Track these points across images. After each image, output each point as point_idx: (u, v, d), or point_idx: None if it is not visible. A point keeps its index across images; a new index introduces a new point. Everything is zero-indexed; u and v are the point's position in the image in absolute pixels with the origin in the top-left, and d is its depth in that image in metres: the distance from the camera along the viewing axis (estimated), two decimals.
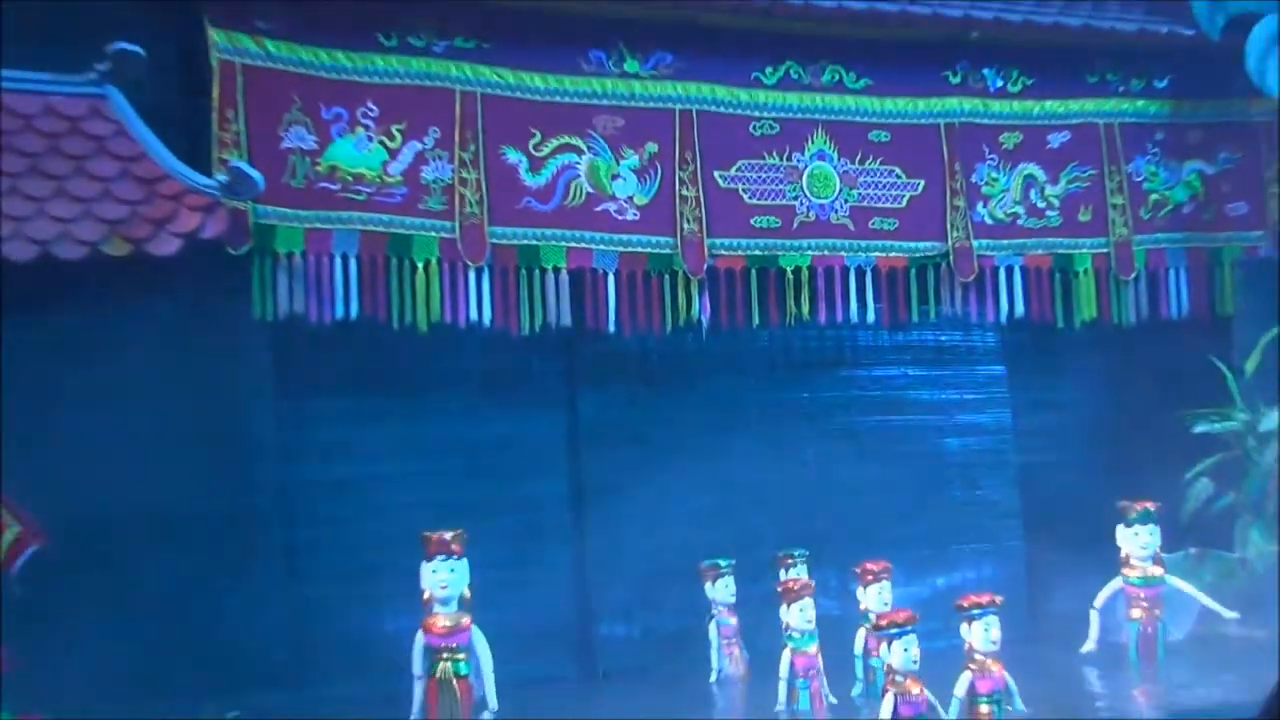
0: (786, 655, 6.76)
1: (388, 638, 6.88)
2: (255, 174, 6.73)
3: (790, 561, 7.29)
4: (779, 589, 6.93)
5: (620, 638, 7.88)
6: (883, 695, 5.96)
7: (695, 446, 7.84)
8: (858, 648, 6.89)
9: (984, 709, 5.88)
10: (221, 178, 6.67)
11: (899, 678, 5.80)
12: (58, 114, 6.97)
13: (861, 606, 6.84)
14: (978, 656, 5.97)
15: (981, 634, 5.96)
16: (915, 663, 5.82)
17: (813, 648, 6.75)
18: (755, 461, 8.02)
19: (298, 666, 6.98)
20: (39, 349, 6.57)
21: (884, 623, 6.01)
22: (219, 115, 6.96)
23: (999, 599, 6.15)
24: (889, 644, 5.94)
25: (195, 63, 7.15)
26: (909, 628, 5.86)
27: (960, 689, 5.98)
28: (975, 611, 6.04)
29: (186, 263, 6.57)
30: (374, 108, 7.26)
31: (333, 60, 7.19)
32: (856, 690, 6.83)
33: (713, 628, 7.43)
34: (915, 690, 5.81)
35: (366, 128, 7.25)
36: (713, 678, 7.36)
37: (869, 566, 6.86)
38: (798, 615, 6.74)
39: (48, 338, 6.63)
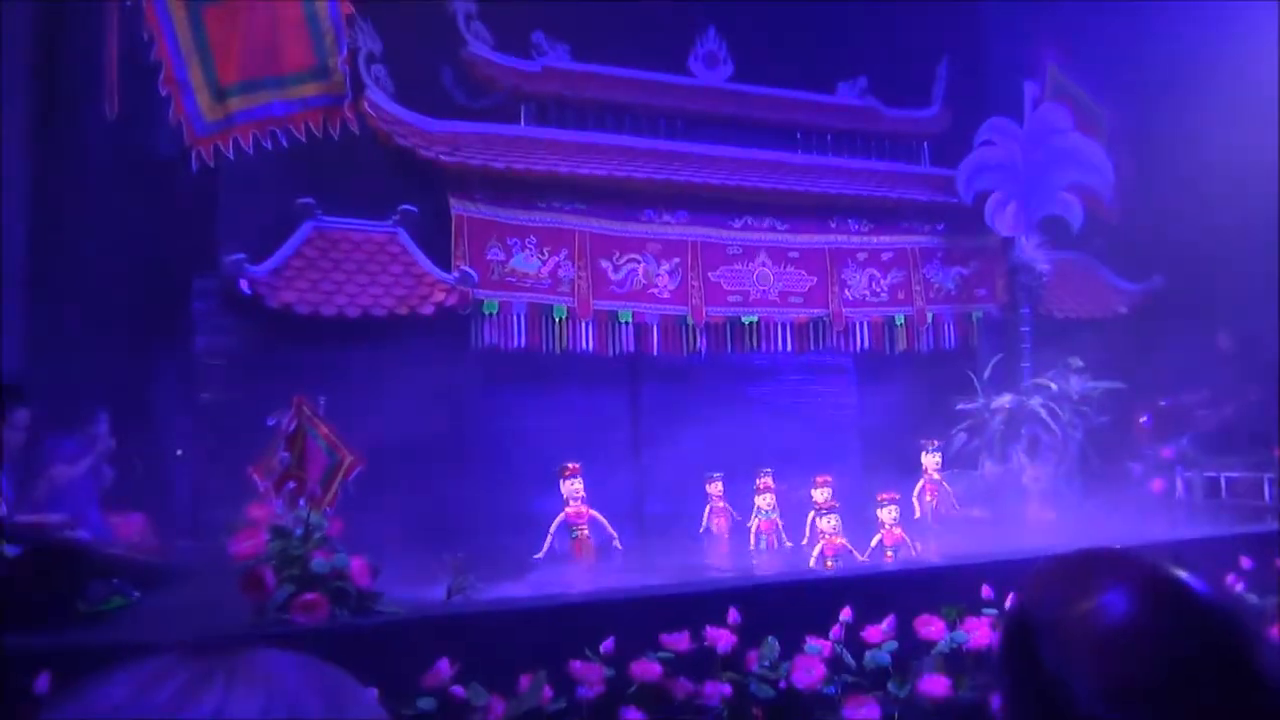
0: (754, 523, 7.06)
1: (541, 516, 6.99)
2: (473, 273, 7.25)
3: (764, 474, 7.34)
4: (755, 487, 7.13)
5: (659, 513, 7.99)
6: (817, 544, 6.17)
7: (697, 414, 7.90)
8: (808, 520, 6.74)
9: (829, 564, 5.95)
10: (457, 275, 7.22)
11: (827, 534, 6.10)
12: (372, 240, 7.41)
13: (813, 501, 6.73)
14: (886, 525, 6.16)
15: (888, 514, 6.19)
16: (835, 527, 6.08)
17: (774, 518, 6.98)
18: (729, 421, 7.98)
19: (491, 529, 6.87)
20: (362, 358, 6.78)
21: (821, 505, 6.30)
22: (454, 241, 7.35)
23: (897, 495, 6.34)
24: (822, 517, 6.19)
25: (442, 214, 7.47)
26: (833, 509, 6.17)
27: (874, 541, 6.18)
28: (883, 501, 6.27)
29: (438, 319, 7.22)
30: (534, 239, 7.66)
31: (512, 214, 7.62)
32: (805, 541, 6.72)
33: (707, 509, 7.55)
34: (838, 541, 6.07)
35: (529, 249, 7.65)
36: (701, 529, 7.47)
37: (818, 479, 6.82)
38: (764, 501, 7.06)
39: (365, 353, 6.83)
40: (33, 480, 5.68)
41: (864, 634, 4.18)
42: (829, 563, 5.94)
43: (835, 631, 4.14)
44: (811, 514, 6.64)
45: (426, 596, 4.25)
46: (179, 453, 6.64)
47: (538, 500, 7.20)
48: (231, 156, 5.86)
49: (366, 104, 7.05)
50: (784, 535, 6.81)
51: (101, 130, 6.50)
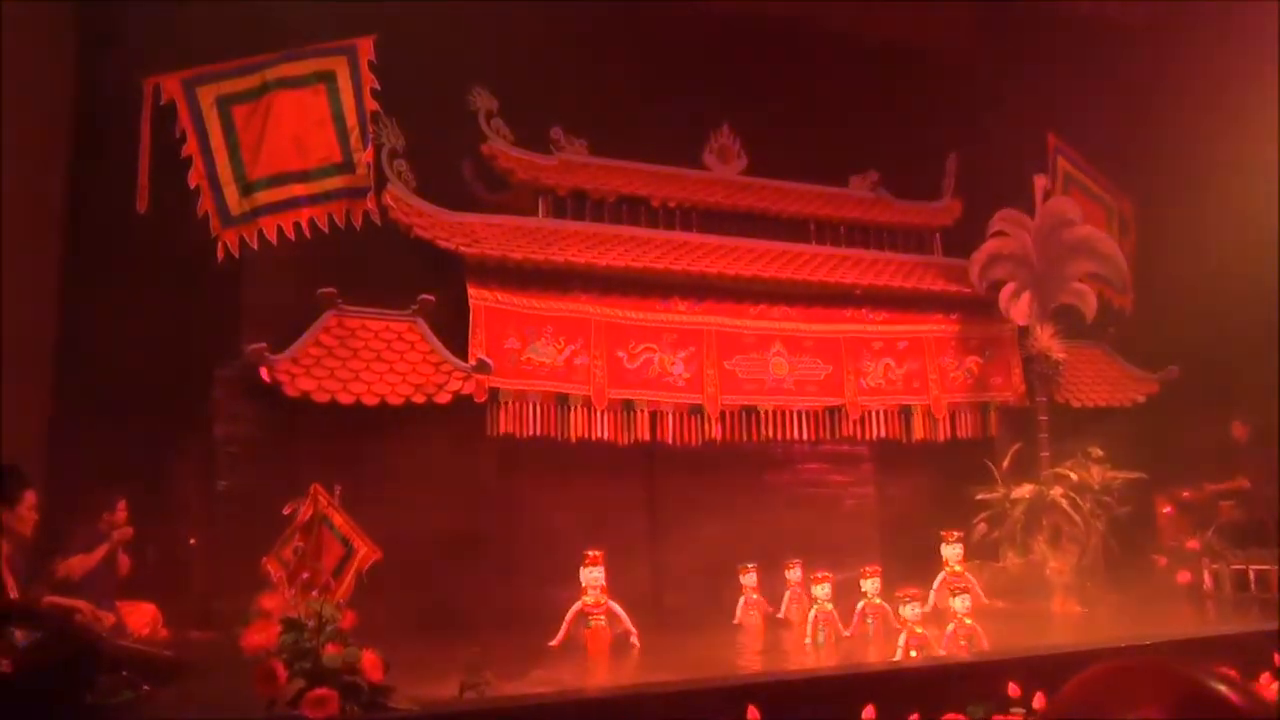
0: (813, 610, 6.54)
1: (557, 606, 6.77)
2: (489, 362, 7.22)
3: (793, 564, 7.20)
4: (815, 577, 6.62)
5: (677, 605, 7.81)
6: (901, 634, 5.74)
7: (714, 503, 8.03)
8: (857, 610, 6.54)
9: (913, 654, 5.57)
10: (474, 363, 7.21)
11: (909, 624, 5.68)
12: (391, 328, 7.47)
13: (862, 590, 6.60)
14: (909, 624, 5.73)
15: (910, 611, 5.77)
16: (918, 614, 5.65)
17: (829, 608, 6.50)
18: (746, 511, 8.13)
19: (505, 620, 6.89)
20: (379, 446, 6.90)
21: (902, 595, 5.79)
22: (472, 331, 7.34)
23: (918, 592, 5.93)
24: (906, 606, 5.71)
25: (460, 303, 7.47)
26: (916, 599, 5.76)
27: (901, 640, 5.71)
28: (906, 599, 5.78)
29: (453, 407, 7.15)
30: (550, 328, 7.65)
31: (529, 304, 7.62)
32: (849, 632, 6.48)
33: (740, 601, 7.24)
34: (920, 631, 5.69)
35: (546, 338, 7.63)
36: (735, 621, 7.15)
37: (866, 569, 6.64)
38: (821, 590, 6.56)
39: (382, 441, 6.95)
40: (46, 564, 5.68)
41: None
42: (913, 654, 5.61)
43: None
44: (862, 603, 6.50)
45: (439, 692, 4.13)
46: (192, 541, 6.57)
47: (553, 590, 7.07)
48: (255, 247, 5.98)
49: (389, 197, 7.24)
50: (840, 625, 6.51)
51: (130, 222, 6.65)
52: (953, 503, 8.24)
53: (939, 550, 7.42)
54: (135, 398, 6.80)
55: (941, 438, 8.79)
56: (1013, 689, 4.29)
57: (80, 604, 4.08)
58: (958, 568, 7.32)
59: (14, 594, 4.12)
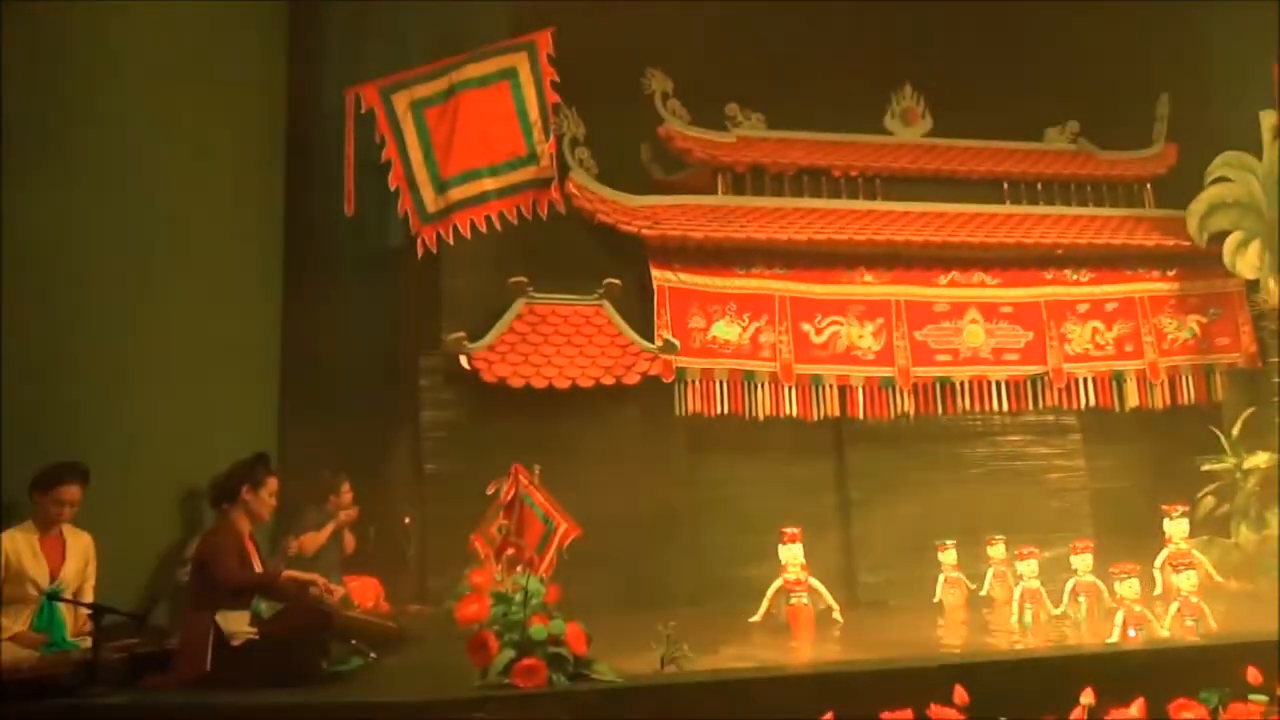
0: (1019, 588, 6.26)
1: (747, 583, 6.83)
2: (675, 342, 7.41)
3: (996, 539, 6.88)
4: (1019, 553, 6.32)
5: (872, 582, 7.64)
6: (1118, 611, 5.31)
7: (908, 479, 7.80)
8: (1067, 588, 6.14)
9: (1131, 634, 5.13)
10: (660, 344, 7.40)
11: (1127, 601, 5.28)
12: (579, 313, 7.65)
13: (1072, 567, 6.18)
14: (1126, 601, 5.30)
15: (1128, 589, 5.31)
16: (1137, 595, 5.27)
17: (1036, 585, 6.19)
18: (943, 486, 7.84)
19: (698, 596, 7.09)
20: (572, 428, 7.05)
21: (1117, 571, 5.40)
22: (656, 310, 7.52)
23: (1136, 567, 5.45)
24: (1122, 582, 5.30)
25: (645, 285, 7.69)
26: (1132, 574, 5.35)
27: (1117, 620, 5.26)
28: (1124, 576, 5.37)
29: (642, 387, 7.34)
30: (734, 305, 7.72)
31: (711, 283, 7.73)
32: (1060, 610, 6.06)
33: (940, 579, 6.92)
34: (1138, 609, 5.26)
35: (730, 315, 7.70)
36: (935, 599, 6.85)
37: (1077, 544, 6.27)
38: (1027, 568, 6.25)
39: (574, 423, 7.10)
40: (280, 542, 6.25)
41: (1108, 718, 3.80)
42: (1130, 634, 5.27)
43: (1076, 715, 3.79)
44: (1072, 581, 6.17)
45: (637, 664, 4.18)
46: (406, 520, 7.01)
47: (743, 568, 7.13)
48: (451, 242, 6.28)
49: (571, 185, 7.51)
50: (1048, 603, 6.19)
51: (339, 225, 7.16)
52: (1173, 474, 7.74)
53: (1159, 526, 6.76)
54: (352, 388, 7.32)
55: (1160, 404, 8.32)
56: (1253, 675, 3.93)
57: (315, 577, 4.42)
58: (1182, 544, 6.71)
59: (259, 569, 4.50)
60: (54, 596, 4.44)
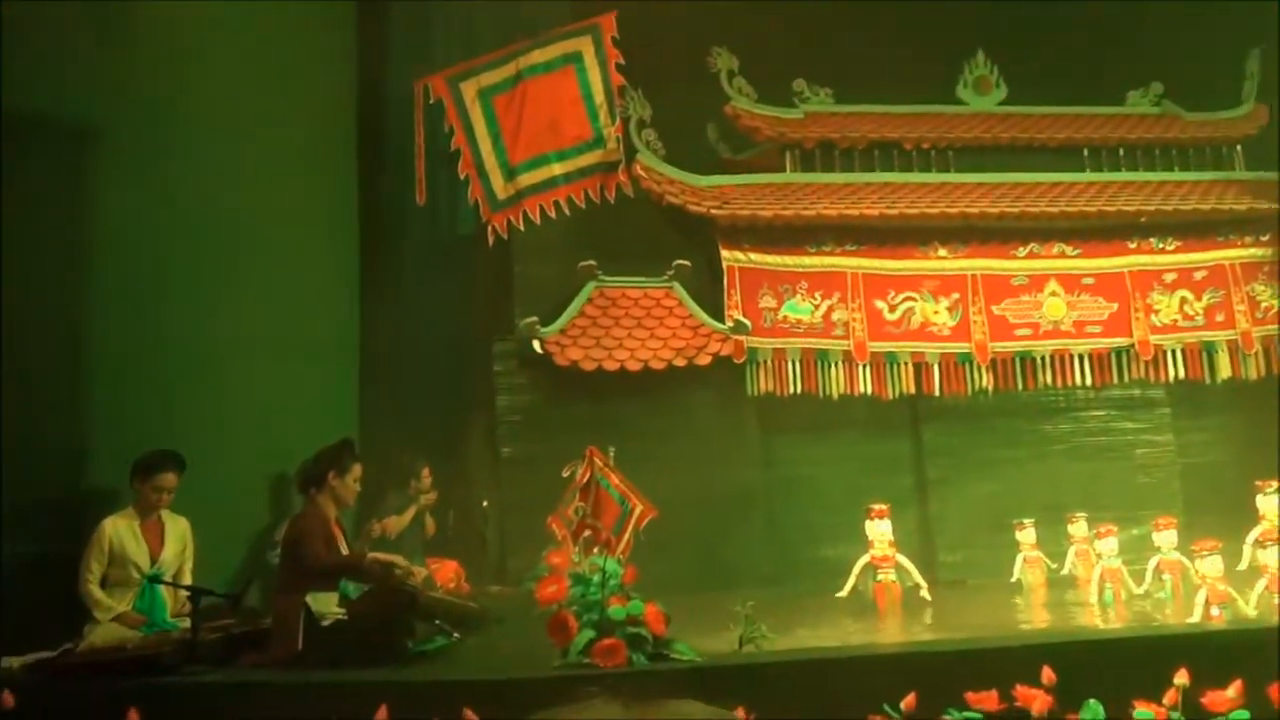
0: (1098, 568, 6.07)
1: (824, 563, 6.87)
2: (746, 322, 7.36)
3: (1077, 518, 6.68)
4: (1098, 531, 6.12)
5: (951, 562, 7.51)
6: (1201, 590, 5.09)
7: (987, 456, 7.68)
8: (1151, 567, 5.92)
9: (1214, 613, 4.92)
10: (731, 324, 7.34)
11: (1209, 580, 5.07)
12: (649, 295, 7.69)
13: (1155, 544, 5.96)
14: (1209, 579, 5.09)
15: (1211, 566, 5.11)
16: (1220, 573, 5.06)
17: (1116, 564, 6.01)
18: (1023, 463, 7.71)
19: (775, 577, 7.01)
20: (645, 410, 7.09)
21: (1199, 549, 5.20)
22: (726, 291, 7.45)
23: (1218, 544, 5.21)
24: (1204, 560, 5.11)
25: (714, 266, 7.62)
26: (1215, 551, 5.14)
27: (1199, 598, 5.04)
28: (1205, 553, 5.15)
29: (714, 368, 7.31)
30: (805, 284, 7.63)
31: (782, 262, 7.63)
32: (1144, 589, 5.89)
33: (1019, 558, 6.75)
34: (1222, 588, 5.04)
35: (801, 294, 7.61)
36: (1013, 579, 6.69)
37: (1160, 520, 6.03)
38: (1105, 546, 6.06)
39: (647, 405, 7.14)
40: (364, 526, 6.42)
41: (1206, 700, 3.69)
42: (1214, 612, 5.09)
43: (1170, 696, 3.69)
44: (1156, 559, 5.98)
45: (716, 644, 4.19)
46: (484, 503, 7.13)
47: (821, 548, 7.17)
48: (522, 228, 6.35)
49: (639, 167, 7.42)
50: (1129, 581, 6.02)
51: (412, 214, 7.30)
52: (1268, 448, 7.31)
53: (1253, 502, 6.61)
54: (428, 375, 7.50)
55: (1254, 375, 7.96)
56: None
57: (397, 559, 4.54)
58: (1277, 520, 6.48)
59: (345, 552, 4.63)
60: (155, 579, 4.69)
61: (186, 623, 4.26)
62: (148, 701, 3.46)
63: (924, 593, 6.26)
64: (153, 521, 4.82)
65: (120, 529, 4.71)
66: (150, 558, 4.75)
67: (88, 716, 3.66)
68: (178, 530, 4.87)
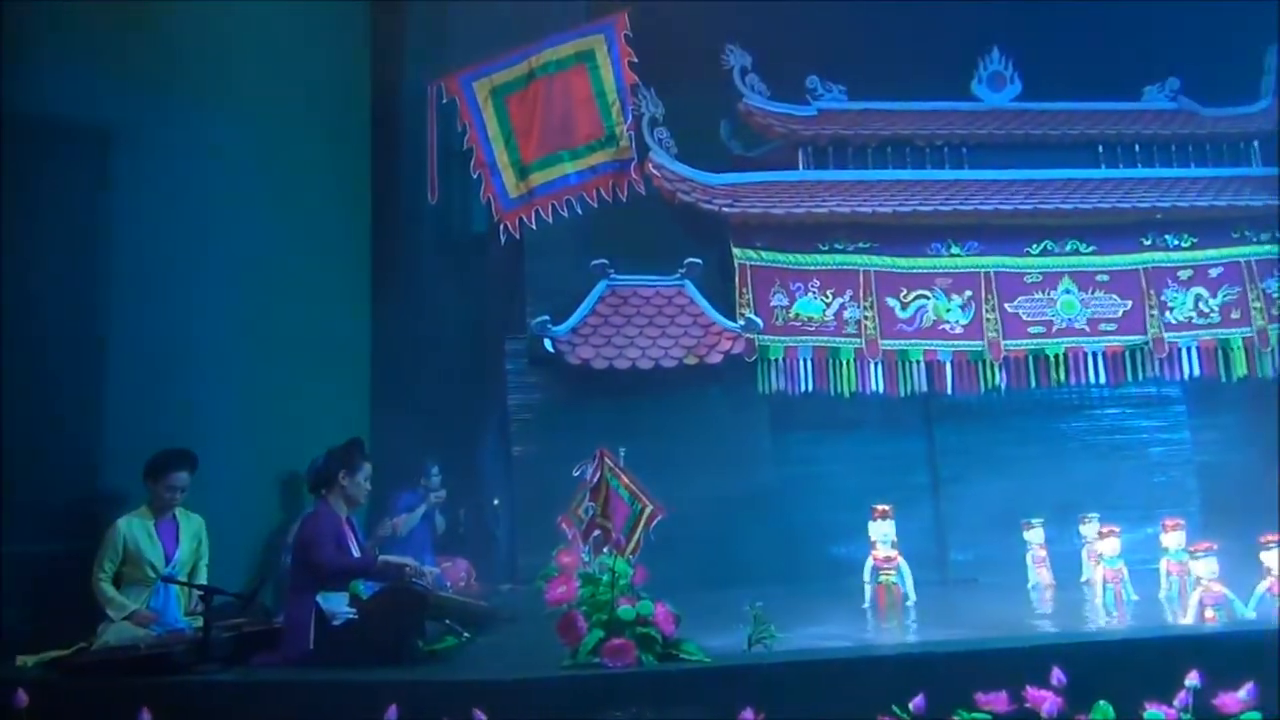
0: (1099, 570, 6.06)
1: (835, 563, 6.87)
2: (758, 320, 7.36)
3: (1088, 519, 6.63)
4: (1099, 532, 6.11)
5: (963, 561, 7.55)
6: (1191, 593, 5.18)
7: (1000, 455, 7.61)
8: (1162, 569, 5.86)
9: (1209, 613, 5.02)
10: (742, 323, 7.35)
11: (1203, 580, 5.14)
12: (661, 294, 7.72)
13: (1162, 545, 5.89)
14: (1203, 580, 5.16)
15: (1205, 567, 5.17)
16: (1215, 573, 5.09)
17: (1119, 565, 5.98)
18: (1037, 462, 7.59)
19: (785, 576, 6.86)
20: (656, 408, 7.09)
21: (1195, 549, 5.28)
22: (738, 289, 7.46)
23: (1213, 545, 5.27)
24: (1199, 560, 5.16)
25: (726, 264, 7.66)
26: (1211, 551, 5.18)
27: (1192, 599, 5.14)
28: (1201, 553, 5.22)
29: (725, 366, 7.30)
30: (817, 281, 7.63)
31: (794, 260, 7.63)
32: (1161, 593, 5.84)
33: (1029, 557, 6.77)
34: (1217, 588, 5.11)
35: (813, 292, 7.62)
36: (1030, 584, 6.71)
37: (1168, 522, 5.92)
38: (1107, 547, 6.04)
39: (658, 403, 7.15)
40: (374, 525, 6.44)
41: (1217, 702, 3.65)
42: (1209, 613, 5.10)
43: (1181, 698, 3.66)
44: (1164, 561, 5.91)
45: (725, 644, 4.18)
46: (495, 502, 7.14)
47: (832, 547, 7.11)
48: (534, 227, 6.34)
49: (651, 165, 7.49)
50: (1130, 586, 5.99)
51: (424, 213, 7.30)
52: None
53: (1270, 501, 6.52)
54: (440, 373, 7.54)
55: (1270, 374, 7.90)
56: None
57: (409, 562, 4.55)
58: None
59: (356, 552, 4.64)
60: (168, 578, 4.70)
61: (199, 622, 4.28)
62: (160, 700, 3.44)
63: (909, 603, 6.16)
64: (167, 520, 4.83)
65: (135, 528, 4.73)
66: (165, 557, 4.77)
67: (101, 715, 3.68)
68: (192, 529, 4.88)
